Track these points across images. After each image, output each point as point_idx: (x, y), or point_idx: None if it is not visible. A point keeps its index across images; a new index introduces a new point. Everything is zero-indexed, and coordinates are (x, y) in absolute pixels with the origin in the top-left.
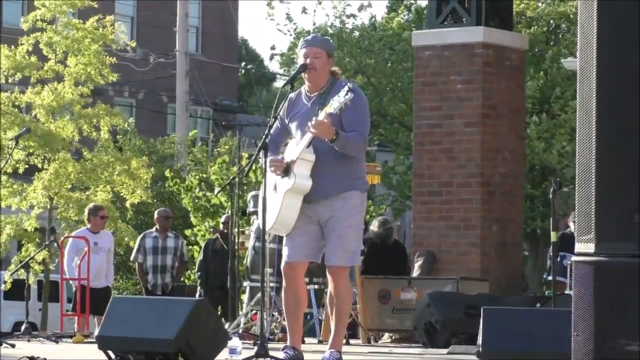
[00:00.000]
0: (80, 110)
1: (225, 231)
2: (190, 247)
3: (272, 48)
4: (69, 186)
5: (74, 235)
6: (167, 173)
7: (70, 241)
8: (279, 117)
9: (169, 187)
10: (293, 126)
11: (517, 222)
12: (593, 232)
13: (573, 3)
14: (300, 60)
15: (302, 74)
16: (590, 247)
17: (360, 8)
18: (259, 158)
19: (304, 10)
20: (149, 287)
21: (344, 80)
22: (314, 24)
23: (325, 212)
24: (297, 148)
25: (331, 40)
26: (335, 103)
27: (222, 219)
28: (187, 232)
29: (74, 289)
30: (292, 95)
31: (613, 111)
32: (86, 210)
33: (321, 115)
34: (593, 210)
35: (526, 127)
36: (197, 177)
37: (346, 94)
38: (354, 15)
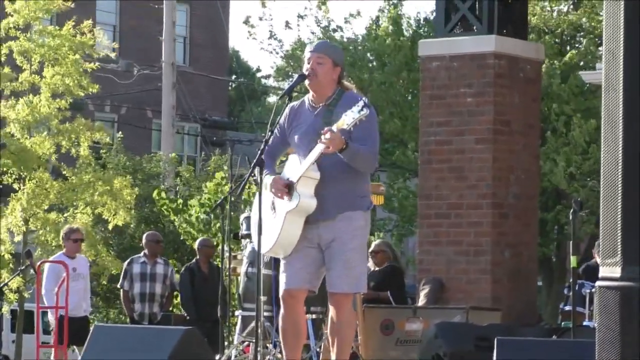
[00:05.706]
0: (57, 125)
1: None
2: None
3: (258, 70)
4: (46, 207)
5: (52, 260)
6: (155, 194)
7: (47, 266)
8: (278, 126)
9: (157, 208)
10: (295, 138)
11: (532, 247)
12: (619, 255)
13: (584, 11)
14: (304, 68)
15: (306, 83)
16: (616, 271)
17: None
18: (253, 176)
19: (287, 25)
20: (135, 317)
21: (356, 94)
22: (299, 38)
23: (327, 234)
24: (302, 165)
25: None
26: (349, 119)
27: (197, 245)
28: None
29: (50, 319)
30: (294, 103)
31: None
32: (61, 234)
33: (332, 130)
34: (619, 231)
35: None
36: (198, 200)
37: (361, 110)
38: (340, 28)
